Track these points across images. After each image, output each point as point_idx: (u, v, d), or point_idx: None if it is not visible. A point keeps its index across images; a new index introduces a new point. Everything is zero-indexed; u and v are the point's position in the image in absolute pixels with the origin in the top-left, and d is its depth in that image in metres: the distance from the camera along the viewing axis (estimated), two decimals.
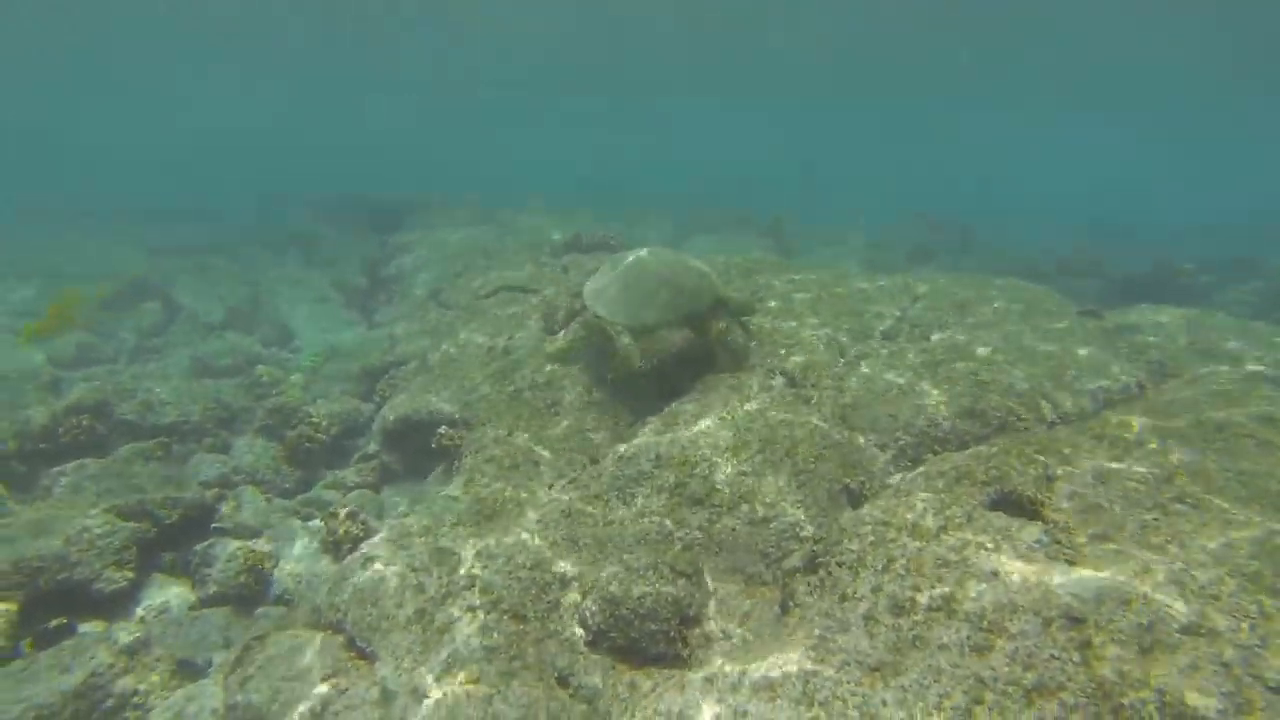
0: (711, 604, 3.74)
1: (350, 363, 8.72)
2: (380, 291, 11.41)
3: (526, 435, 5.34)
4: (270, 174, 27.10)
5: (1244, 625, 2.66)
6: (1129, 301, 11.66)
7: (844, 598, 3.06)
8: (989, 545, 3.07)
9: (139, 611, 4.56)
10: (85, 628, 4.35)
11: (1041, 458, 3.75)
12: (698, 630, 3.62)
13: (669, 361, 5.81)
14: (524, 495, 4.65)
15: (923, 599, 2.89)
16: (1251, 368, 5.29)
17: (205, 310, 10.89)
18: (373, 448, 6.92)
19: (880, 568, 3.12)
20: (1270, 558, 3.00)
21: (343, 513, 4.92)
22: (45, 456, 6.01)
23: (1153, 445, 3.92)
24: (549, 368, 6.19)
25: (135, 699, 3.61)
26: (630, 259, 5.90)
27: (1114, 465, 3.65)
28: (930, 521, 3.30)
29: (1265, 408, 4.25)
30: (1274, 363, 5.33)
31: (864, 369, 5.43)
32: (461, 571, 3.90)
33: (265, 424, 6.77)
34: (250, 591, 4.76)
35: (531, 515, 4.44)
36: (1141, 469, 3.63)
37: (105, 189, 20.14)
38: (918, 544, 3.17)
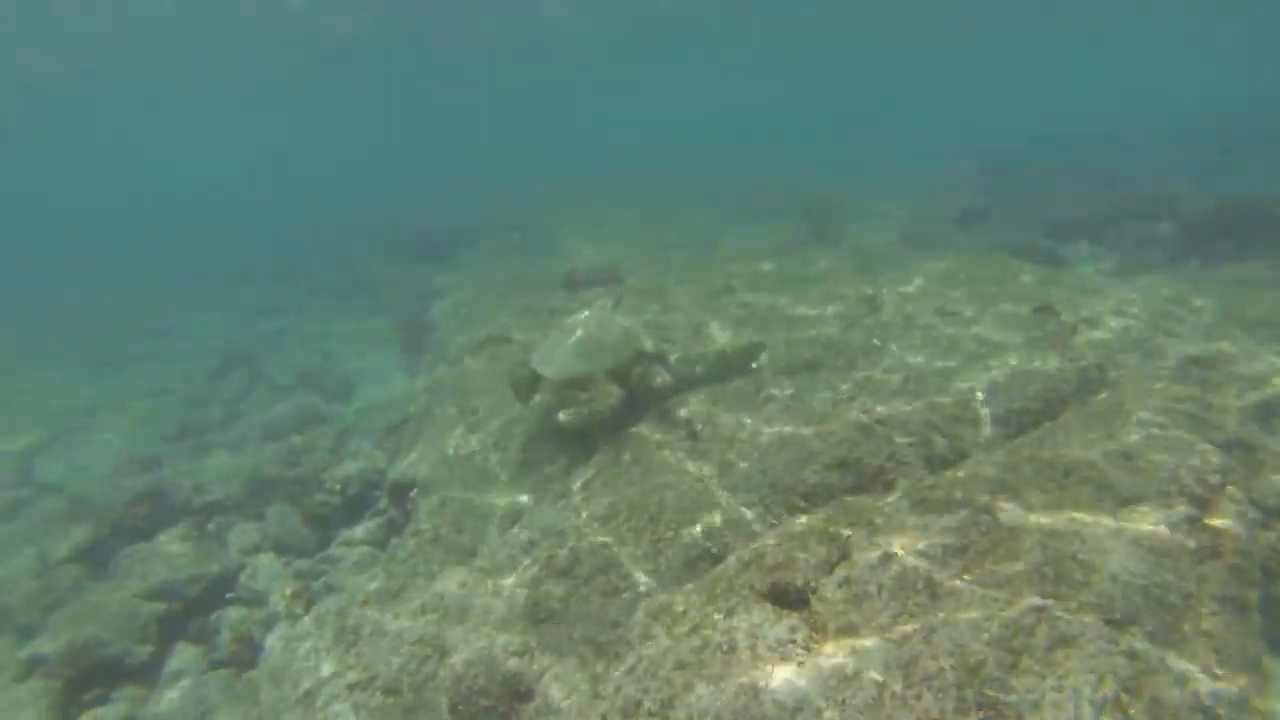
0: (547, 677, 4.12)
1: (382, 417, 9.77)
2: (423, 338, 12.48)
3: (458, 506, 5.90)
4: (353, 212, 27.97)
5: None
6: (1202, 246, 10.30)
7: (596, 695, 3.35)
8: (725, 646, 3.22)
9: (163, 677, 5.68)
10: (118, 694, 5.51)
11: (846, 533, 3.75)
12: (531, 705, 4.02)
13: (618, 411, 6.00)
14: (435, 569, 5.23)
15: (647, 703, 3.12)
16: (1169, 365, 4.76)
17: (280, 373, 12.51)
18: (384, 504, 7.84)
19: (630, 665, 3.36)
20: (1003, 645, 2.92)
21: (290, 591, 5.76)
22: (123, 538, 7.46)
23: (981, 501, 3.77)
24: (501, 424, 6.70)
25: None
26: (567, 322, 6.42)
27: (908, 539, 3.59)
28: (692, 616, 3.48)
29: (1128, 437, 3.91)
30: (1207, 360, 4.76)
31: (764, 410, 5.47)
32: (353, 651, 4.55)
33: (291, 492, 7.86)
34: (243, 658, 5.73)
35: (434, 589, 5.00)
36: (938, 539, 3.55)
37: (179, 254, 22.53)
38: (668, 642, 3.38)
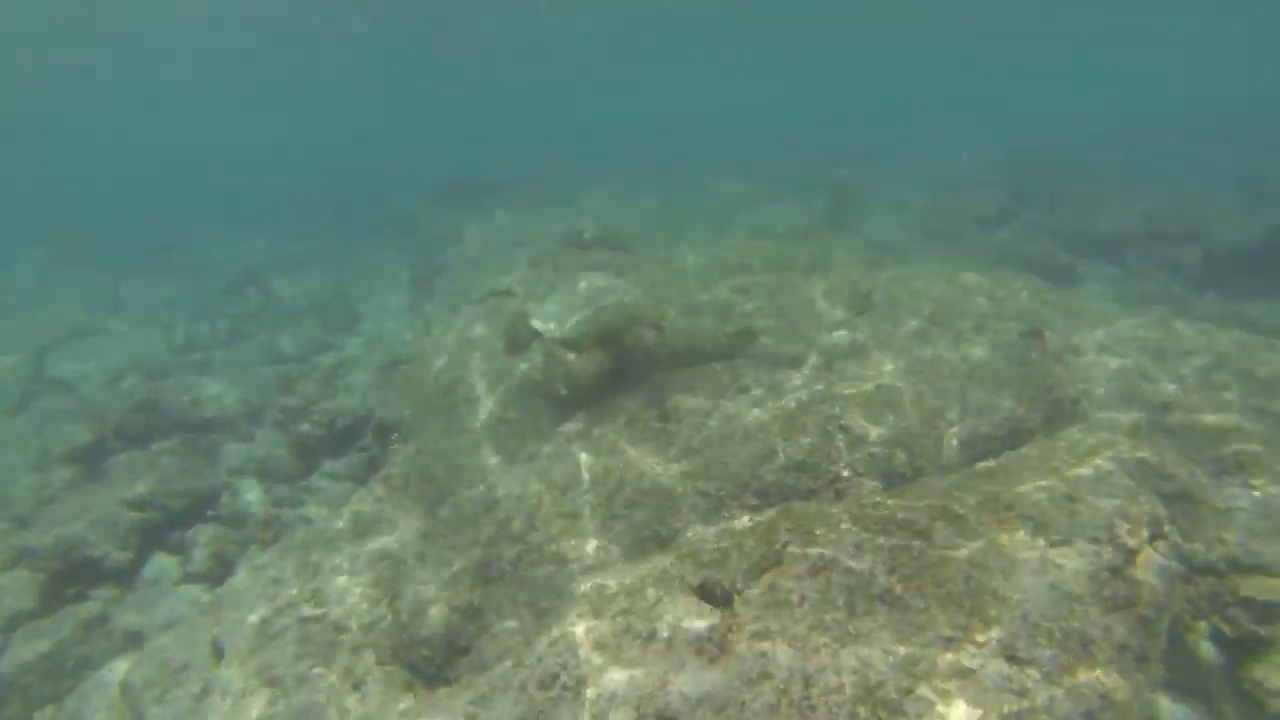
0: (485, 636, 4.33)
1: (383, 354, 9.98)
2: (435, 279, 12.58)
3: (432, 455, 6.08)
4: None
5: None
6: (1225, 278, 10.05)
7: (518, 664, 3.53)
8: (645, 634, 3.38)
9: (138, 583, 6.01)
10: (96, 593, 5.84)
11: (783, 539, 3.86)
12: (465, 660, 4.25)
13: (601, 378, 6.15)
14: (400, 516, 5.44)
15: (564, 678, 3.30)
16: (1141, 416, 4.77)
17: (294, 296, 12.71)
18: (368, 440, 8.07)
19: (553, 639, 3.54)
20: (906, 669, 3.05)
21: (262, 519, 6.02)
22: (121, 443, 7.77)
23: (919, 525, 3.86)
24: (488, 378, 6.85)
25: (90, 663, 4.93)
26: (569, 284, 6.52)
27: (841, 553, 3.69)
28: (622, 600, 3.63)
29: (1076, 480, 3.96)
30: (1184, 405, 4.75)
31: (737, 401, 5.55)
32: (310, 586, 4.80)
33: (279, 419, 8.10)
34: (215, 575, 6.04)
35: (395, 535, 5.22)
36: (869, 559, 3.65)
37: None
38: (592, 623, 3.54)
